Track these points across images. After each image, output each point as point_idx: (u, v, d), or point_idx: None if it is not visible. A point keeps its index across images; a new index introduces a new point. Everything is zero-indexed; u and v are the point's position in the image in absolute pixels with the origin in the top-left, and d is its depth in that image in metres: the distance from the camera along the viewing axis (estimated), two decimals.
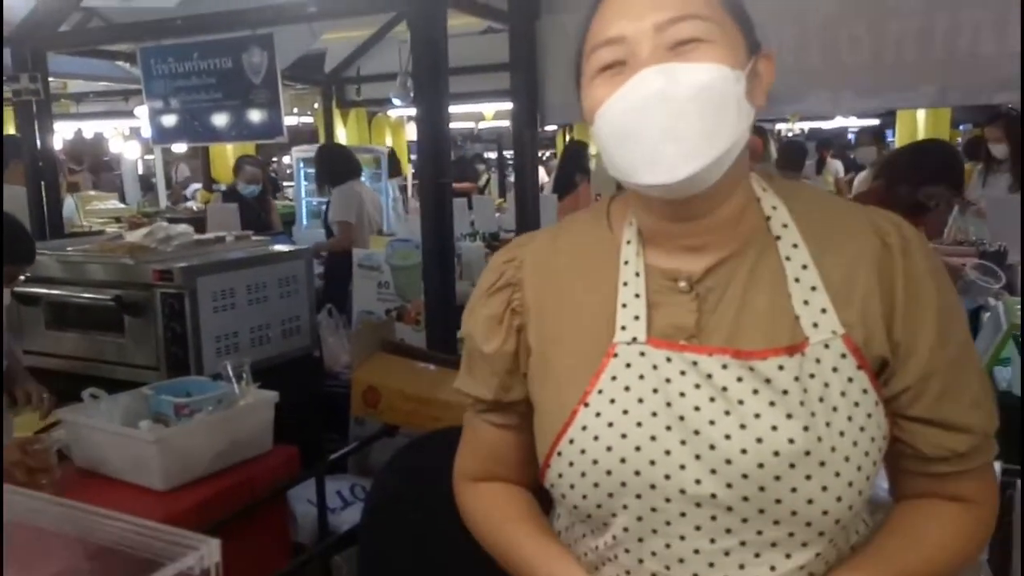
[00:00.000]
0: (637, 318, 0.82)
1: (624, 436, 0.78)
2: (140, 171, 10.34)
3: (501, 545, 0.92)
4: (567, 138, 8.91)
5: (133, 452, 1.82)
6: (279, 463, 2.09)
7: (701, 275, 0.82)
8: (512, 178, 4.34)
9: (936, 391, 0.79)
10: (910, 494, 0.85)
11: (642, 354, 0.80)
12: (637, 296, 0.82)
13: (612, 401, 0.80)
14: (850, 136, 11.24)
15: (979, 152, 4.54)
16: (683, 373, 0.78)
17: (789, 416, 0.75)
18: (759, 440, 0.75)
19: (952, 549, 0.82)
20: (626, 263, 0.84)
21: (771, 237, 0.82)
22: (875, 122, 8.91)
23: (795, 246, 0.81)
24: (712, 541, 0.76)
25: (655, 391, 0.79)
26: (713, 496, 0.75)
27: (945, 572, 0.82)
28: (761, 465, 0.75)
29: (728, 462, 0.75)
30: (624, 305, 0.83)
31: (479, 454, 0.98)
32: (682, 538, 0.77)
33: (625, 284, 0.83)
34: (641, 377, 0.80)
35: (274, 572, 1.76)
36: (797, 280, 0.80)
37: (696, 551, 0.77)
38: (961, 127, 9.82)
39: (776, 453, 0.75)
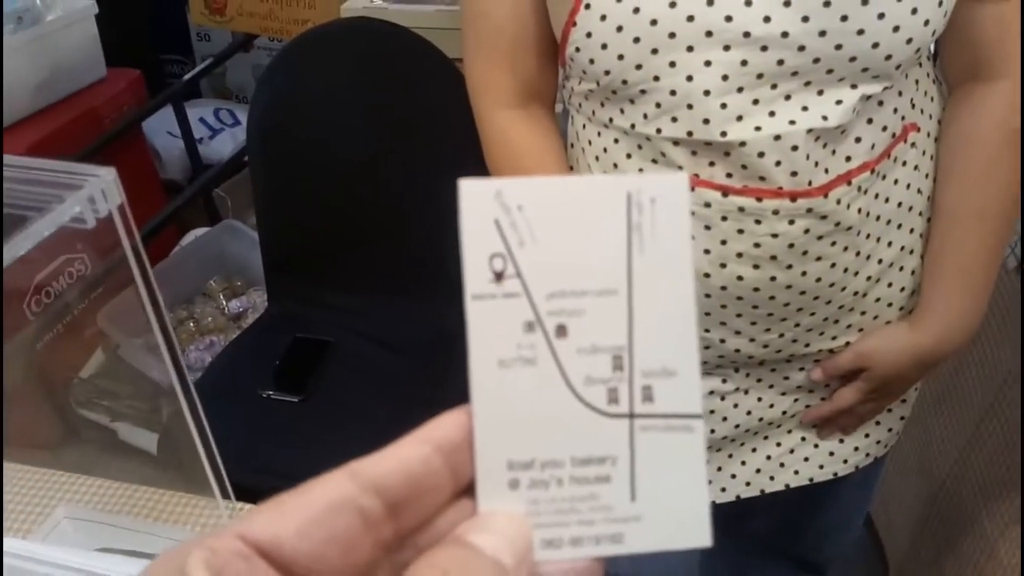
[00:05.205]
0: None
1: None
2: None
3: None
4: None
5: None
6: (122, 90, 1.77)
7: None
8: None
9: None
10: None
11: None
12: None
13: None
14: None
15: None
16: None
17: None
18: None
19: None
20: None
21: None
22: None
23: None
24: (773, 87, 0.63)
25: None
26: (784, 35, 0.61)
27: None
28: None
29: None
30: None
31: (499, 49, 0.75)
32: (739, 90, 0.63)
33: None
34: None
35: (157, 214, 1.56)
36: None
37: (755, 101, 0.63)
38: None
39: None
